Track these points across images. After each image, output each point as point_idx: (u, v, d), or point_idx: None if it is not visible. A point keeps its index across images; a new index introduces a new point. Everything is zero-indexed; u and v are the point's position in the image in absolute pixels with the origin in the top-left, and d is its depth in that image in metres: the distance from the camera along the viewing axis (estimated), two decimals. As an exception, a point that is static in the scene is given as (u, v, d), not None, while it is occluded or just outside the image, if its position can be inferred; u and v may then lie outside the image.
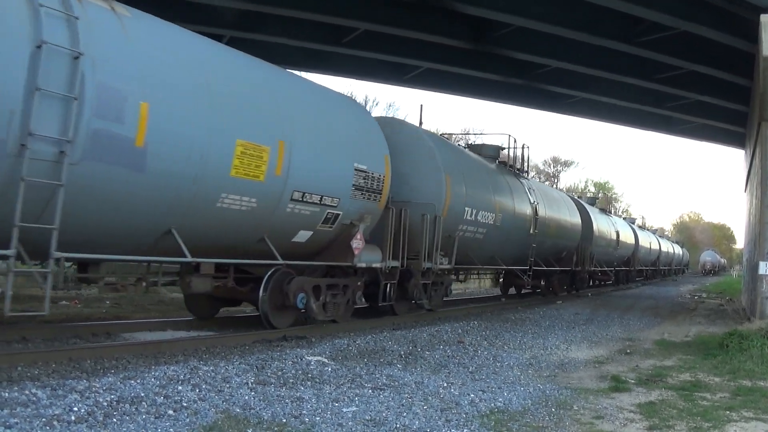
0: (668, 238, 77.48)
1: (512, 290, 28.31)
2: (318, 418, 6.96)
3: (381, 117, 18.57)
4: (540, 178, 49.16)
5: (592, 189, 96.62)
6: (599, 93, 29.83)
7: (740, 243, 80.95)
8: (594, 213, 34.01)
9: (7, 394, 6.67)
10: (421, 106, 27.44)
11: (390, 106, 73.72)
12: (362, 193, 13.86)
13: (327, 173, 12.92)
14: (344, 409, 7.37)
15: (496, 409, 7.91)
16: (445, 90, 31.79)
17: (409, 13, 21.92)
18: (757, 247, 18.81)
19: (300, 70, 24.50)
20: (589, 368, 11.49)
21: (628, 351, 13.81)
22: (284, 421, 6.82)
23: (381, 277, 15.21)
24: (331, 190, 13.04)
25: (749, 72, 21.91)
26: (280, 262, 12.32)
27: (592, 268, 32.74)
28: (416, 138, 17.01)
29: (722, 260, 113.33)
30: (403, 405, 7.74)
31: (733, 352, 13.29)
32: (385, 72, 28.18)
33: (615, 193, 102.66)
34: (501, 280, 27.59)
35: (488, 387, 9.11)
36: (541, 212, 24.12)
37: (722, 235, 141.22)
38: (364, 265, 14.34)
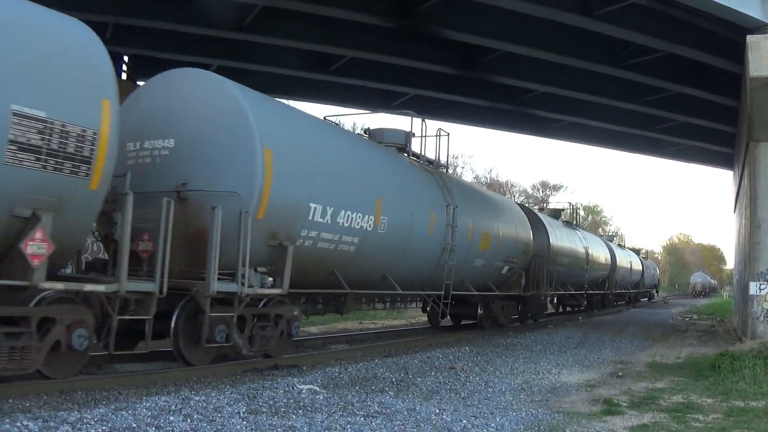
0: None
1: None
2: (310, 447, 6.93)
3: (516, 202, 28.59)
4: (529, 203, 50.96)
5: (582, 213, 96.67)
6: (587, 117, 30.00)
7: (730, 264, 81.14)
8: (615, 248, 43.18)
9: (-3, 428, 6.62)
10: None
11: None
12: (522, 253, 22.80)
13: (512, 244, 21.90)
14: (336, 438, 7.34)
15: (489, 435, 7.89)
16: (433, 116, 31.80)
17: (396, 41, 22.04)
18: (747, 268, 18.86)
19: (288, 98, 24.55)
20: (581, 392, 11.48)
21: (620, 374, 13.81)
22: (276, 450, 6.78)
23: (528, 300, 24.29)
24: (513, 254, 21.96)
25: (736, 93, 22.06)
26: (497, 293, 21.43)
27: (616, 291, 42.30)
28: (535, 216, 26.25)
29: (713, 281, 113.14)
30: (395, 432, 7.71)
31: (725, 373, 13.32)
32: (373, 99, 28.28)
33: (604, 217, 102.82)
34: (554, 300, 35.22)
35: (480, 413, 9.09)
36: (590, 253, 33.42)
37: (712, 257, 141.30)
38: (522, 293, 23.19)
